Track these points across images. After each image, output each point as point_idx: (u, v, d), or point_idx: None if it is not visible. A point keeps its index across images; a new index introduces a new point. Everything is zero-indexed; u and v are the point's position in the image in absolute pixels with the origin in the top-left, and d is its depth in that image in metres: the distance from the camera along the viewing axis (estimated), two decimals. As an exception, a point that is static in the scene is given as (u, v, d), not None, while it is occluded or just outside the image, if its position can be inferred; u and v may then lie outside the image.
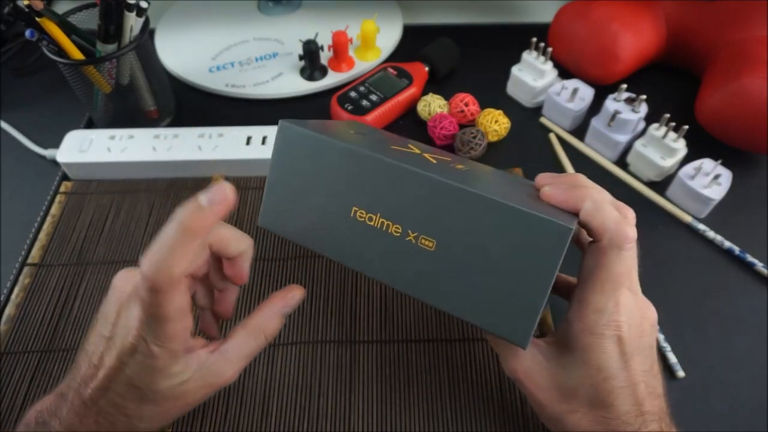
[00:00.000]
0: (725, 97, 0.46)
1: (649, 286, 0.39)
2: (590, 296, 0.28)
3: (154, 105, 0.52)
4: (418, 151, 0.34)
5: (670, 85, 0.57)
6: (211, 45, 0.60)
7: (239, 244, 0.30)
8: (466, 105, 0.51)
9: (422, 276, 0.29)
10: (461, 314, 0.28)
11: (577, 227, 0.29)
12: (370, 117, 0.51)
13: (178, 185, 0.48)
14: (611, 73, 0.53)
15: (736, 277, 0.42)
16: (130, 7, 0.44)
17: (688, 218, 0.45)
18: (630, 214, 0.29)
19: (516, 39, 0.56)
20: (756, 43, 0.47)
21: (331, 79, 0.57)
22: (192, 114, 0.55)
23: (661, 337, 0.39)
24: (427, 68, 0.56)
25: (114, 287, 0.29)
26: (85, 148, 0.48)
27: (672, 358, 0.38)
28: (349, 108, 0.51)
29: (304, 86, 0.56)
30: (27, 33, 0.43)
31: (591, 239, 0.29)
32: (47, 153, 0.51)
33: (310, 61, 0.55)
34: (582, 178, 0.30)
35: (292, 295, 0.32)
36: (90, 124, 0.54)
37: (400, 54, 0.61)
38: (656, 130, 0.47)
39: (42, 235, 0.44)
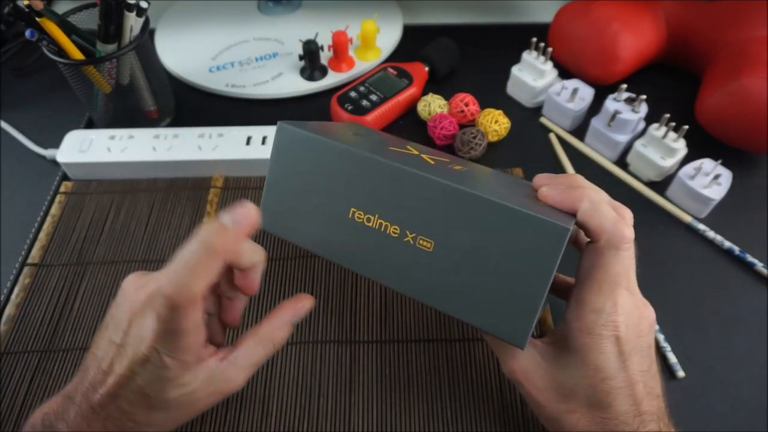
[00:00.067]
0: (725, 97, 0.46)
1: (649, 286, 0.39)
2: (588, 296, 0.28)
3: (154, 105, 0.52)
4: (416, 152, 0.35)
5: (670, 85, 0.57)
6: (211, 45, 0.60)
7: (253, 255, 0.29)
8: (466, 105, 0.51)
9: (420, 277, 0.29)
10: (459, 315, 0.28)
11: (575, 228, 0.29)
12: (370, 117, 0.51)
13: (178, 185, 0.48)
14: (611, 73, 0.53)
15: (736, 277, 0.42)
16: (130, 7, 0.45)
17: (688, 218, 0.45)
18: (627, 214, 0.29)
19: (516, 39, 0.56)
20: (756, 43, 0.47)
21: (331, 79, 0.57)
22: (192, 114, 0.55)
23: (661, 337, 0.39)
24: (427, 68, 0.56)
25: (124, 293, 0.29)
26: (85, 148, 0.48)
27: (672, 358, 0.38)
28: (349, 108, 0.51)
29: (304, 86, 0.56)
30: (27, 33, 0.43)
31: (589, 240, 0.29)
32: (47, 153, 0.51)
33: (310, 61, 0.55)
34: (579, 179, 0.30)
35: (302, 305, 0.32)
36: (90, 124, 0.54)
37: (400, 54, 0.61)
38: (656, 130, 0.47)
39: (42, 235, 0.44)
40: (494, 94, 0.56)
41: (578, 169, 0.49)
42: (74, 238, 0.44)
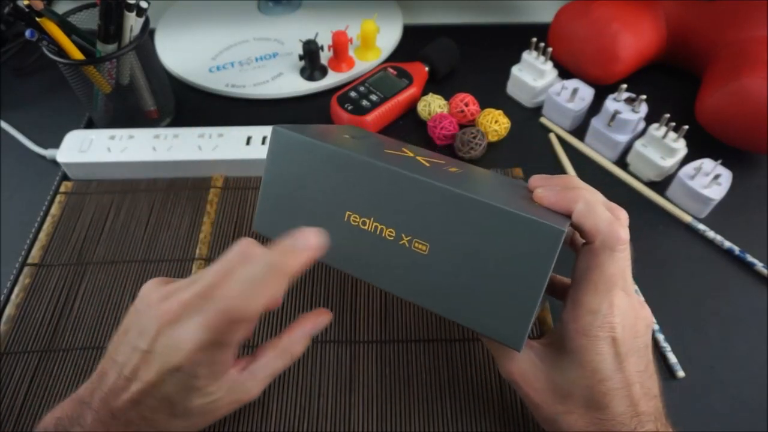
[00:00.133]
0: (725, 97, 0.46)
1: (649, 286, 0.39)
2: (584, 298, 0.28)
3: (154, 105, 0.52)
4: (411, 154, 0.35)
5: (670, 85, 0.57)
6: (211, 45, 0.60)
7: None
8: (466, 105, 0.51)
9: (416, 279, 0.29)
10: (455, 317, 0.28)
11: (570, 229, 0.29)
12: (370, 117, 0.51)
13: (178, 185, 0.48)
14: (611, 73, 0.53)
15: (736, 277, 0.42)
16: (130, 7, 0.45)
17: (688, 218, 0.45)
18: (623, 215, 0.29)
19: (516, 39, 0.56)
20: (756, 43, 0.47)
21: (331, 79, 0.57)
22: (192, 114, 0.55)
23: (661, 337, 0.39)
24: (427, 68, 0.56)
25: (146, 300, 0.28)
26: (85, 148, 0.48)
27: (672, 358, 0.38)
28: (349, 108, 0.51)
29: (304, 86, 0.56)
30: (27, 33, 0.43)
31: (584, 241, 0.29)
32: (47, 153, 0.51)
33: (310, 61, 0.55)
34: (575, 180, 0.30)
35: (322, 319, 0.33)
36: (90, 124, 0.54)
37: (400, 54, 0.61)
38: (656, 130, 0.47)
39: (42, 235, 0.44)
40: (494, 94, 0.56)
41: (578, 169, 0.49)
42: (74, 238, 0.44)
